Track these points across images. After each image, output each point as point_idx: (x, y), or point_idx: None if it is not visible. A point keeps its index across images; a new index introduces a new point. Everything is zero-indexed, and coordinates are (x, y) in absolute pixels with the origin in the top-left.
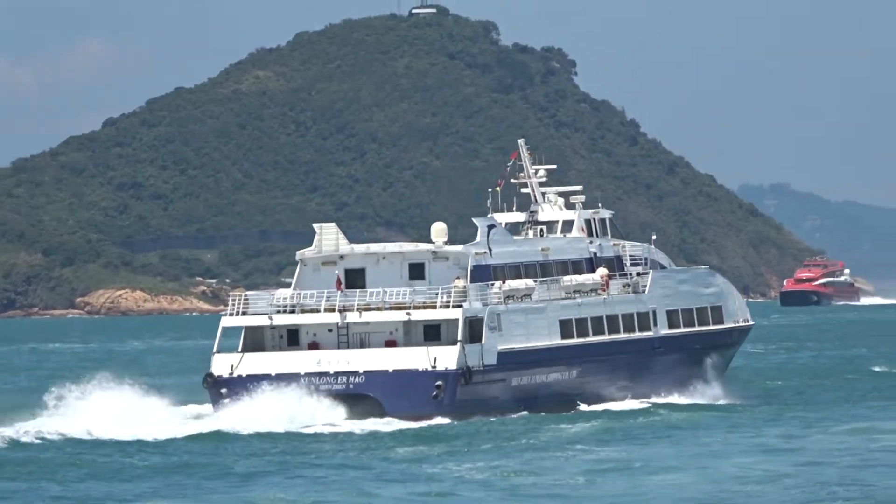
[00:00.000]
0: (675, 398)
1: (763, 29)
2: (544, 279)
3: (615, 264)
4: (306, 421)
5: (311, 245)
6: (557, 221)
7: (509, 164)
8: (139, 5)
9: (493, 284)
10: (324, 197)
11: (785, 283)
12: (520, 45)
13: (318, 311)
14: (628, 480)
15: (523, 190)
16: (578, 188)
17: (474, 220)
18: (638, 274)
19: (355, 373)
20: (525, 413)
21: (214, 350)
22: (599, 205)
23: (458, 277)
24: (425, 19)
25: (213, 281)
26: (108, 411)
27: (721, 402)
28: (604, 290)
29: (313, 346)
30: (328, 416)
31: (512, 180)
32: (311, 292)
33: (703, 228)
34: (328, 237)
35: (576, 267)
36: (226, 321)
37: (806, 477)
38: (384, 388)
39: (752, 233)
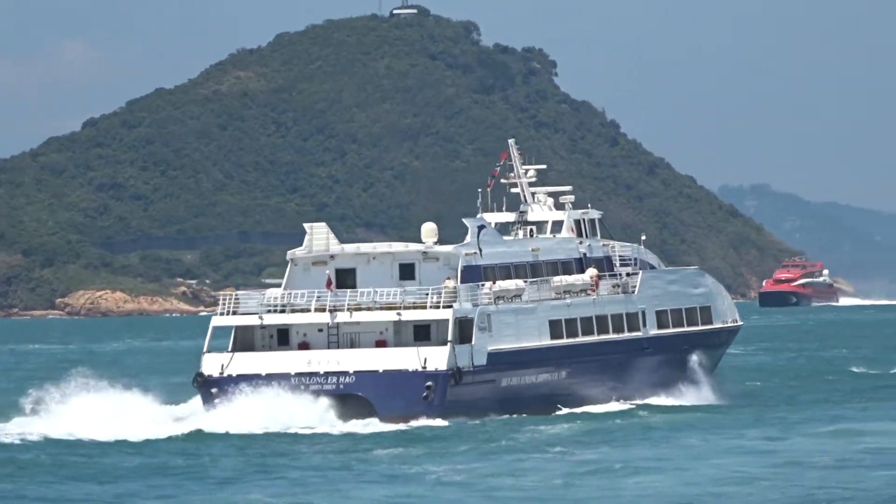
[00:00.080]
0: (664, 399)
1: (752, 29)
2: (534, 280)
3: (605, 265)
4: (292, 422)
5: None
6: (547, 222)
7: (499, 164)
8: (119, 6)
9: (483, 285)
10: (304, 198)
11: (764, 283)
12: (501, 46)
13: (308, 310)
14: (607, 482)
15: (513, 190)
16: (568, 188)
17: (464, 220)
18: (627, 274)
19: (345, 373)
20: (511, 414)
21: (205, 349)
22: (589, 205)
23: (448, 278)
24: (406, 20)
25: (194, 282)
26: (88, 412)
27: (710, 402)
28: (593, 291)
29: (303, 346)
30: (316, 417)
31: (502, 180)
32: (302, 292)
33: (683, 229)
34: (318, 237)
35: (565, 267)
36: (216, 321)
37: (785, 478)
38: (374, 388)
39: (733, 234)
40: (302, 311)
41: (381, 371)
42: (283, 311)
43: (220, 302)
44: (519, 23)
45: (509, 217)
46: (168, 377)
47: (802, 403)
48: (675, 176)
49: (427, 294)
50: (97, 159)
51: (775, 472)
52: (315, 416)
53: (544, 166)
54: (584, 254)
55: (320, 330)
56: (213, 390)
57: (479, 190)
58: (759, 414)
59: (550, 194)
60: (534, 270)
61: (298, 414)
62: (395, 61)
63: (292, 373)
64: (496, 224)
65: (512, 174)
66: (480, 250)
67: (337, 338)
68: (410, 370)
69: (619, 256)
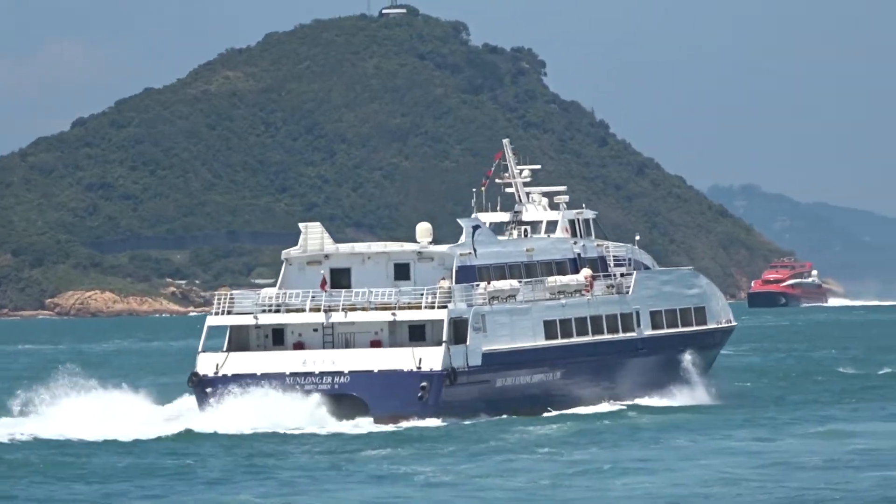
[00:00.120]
0: (659, 399)
1: (741, 29)
2: (529, 280)
3: (599, 265)
4: (283, 422)
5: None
6: (541, 222)
7: (494, 163)
8: (108, 6)
9: (478, 285)
10: (293, 198)
11: (753, 284)
12: (490, 46)
13: (303, 310)
14: (596, 483)
15: (507, 190)
16: (562, 188)
17: (459, 220)
18: (622, 275)
19: (340, 373)
20: (506, 415)
21: (200, 349)
22: (583, 205)
23: (443, 278)
24: (395, 20)
25: (183, 282)
26: (77, 412)
27: (704, 403)
28: (588, 291)
29: (298, 345)
30: (307, 417)
31: (497, 180)
32: (297, 292)
33: (672, 230)
34: (313, 237)
35: (560, 267)
36: (211, 320)
37: (773, 479)
38: (369, 388)
39: (722, 234)
40: (297, 310)
41: (376, 371)
42: (278, 311)
43: (215, 301)
44: (508, 23)
45: (504, 217)
46: (158, 377)
47: (792, 404)
48: (664, 176)
49: (422, 294)
50: (86, 159)
51: (764, 473)
52: (306, 416)
53: (539, 166)
54: (579, 254)
55: (315, 330)
56: (208, 390)
57: (474, 190)
58: (749, 415)
59: (545, 194)
60: (528, 271)
61: (290, 414)
62: (384, 61)
63: (287, 373)
64: (491, 224)
65: (506, 174)
66: (475, 250)
67: (332, 338)
68: (405, 370)
69: (614, 257)
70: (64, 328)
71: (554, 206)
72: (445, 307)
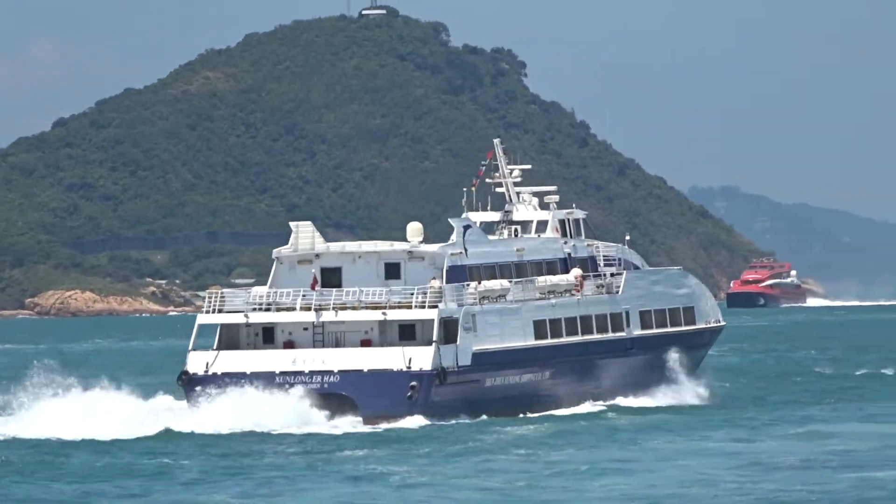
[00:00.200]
0: (647, 399)
1: (732, 29)
2: (519, 280)
3: (589, 265)
4: (266, 422)
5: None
6: (532, 221)
7: (485, 163)
8: (88, 6)
9: (468, 285)
10: (273, 198)
11: (731, 284)
12: (470, 47)
13: (293, 309)
14: (573, 483)
15: (498, 189)
16: (553, 188)
17: (450, 220)
18: (612, 274)
19: (330, 372)
20: (496, 415)
21: (190, 347)
22: (573, 205)
23: (433, 278)
24: (375, 20)
25: (163, 282)
26: (56, 412)
27: (692, 403)
28: (578, 291)
29: (289, 344)
30: (292, 416)
31: (487, 180)
32: (287, 290)
33: (653, 230)
34: (304, 235)
35: (550, 267)
36: (202, 318)
37: (751, 480)
38: (359, 387)
39: (703, 234)
40: (287, 309)
41: (365, 370)
42: (268, 310)
43: (206, 300)
44: (488, 23)
45: (494, 217)
46: (138, 377)
47: (771, 405)
48: (645, 177)
49: (412, 294)
50: (67, 159)
51: (741, 474)
52: (293, 415)
53: (529, 166)
54: (569, 254)
55: (305, 329)
56: (198, 388)
57: (465, 189)
58: (728, 415)
59: (535, 194)
60: (518, 270)
61: (276, 413)
62: (364, 62)
63: (277, 371)
64: (481, 223)
65: (497, 174)
66: (466, 250)
67: (322, 337)
68: (395, 370)
69: (604, 257)
70: (44, 328)
71: (544, 206)
72: (436, 307)
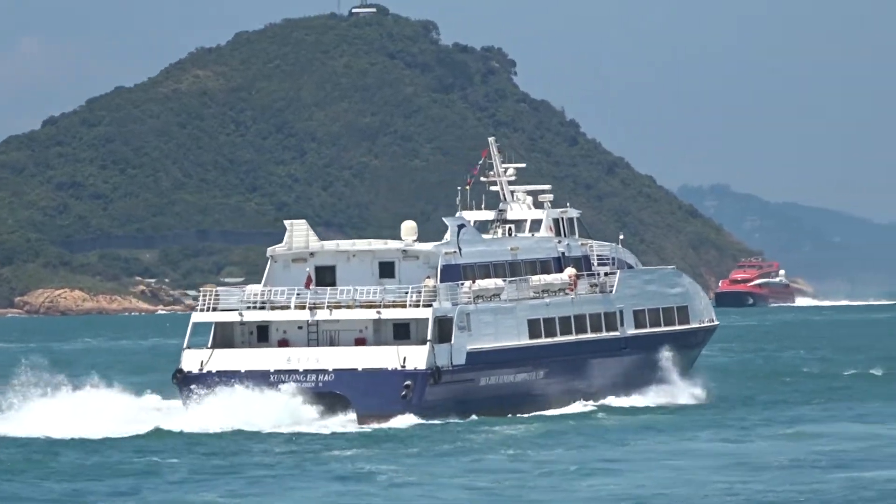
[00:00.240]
0: (640, 398)
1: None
2: (513, 279)
3: (583, 264)
4: (258, 420)
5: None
6: (526, 220)
7: (479, 161)
8: (79, 4)
9: (462, 284)
10: (263, 197)
11: (720, 284)
12: (460, 45)
13: (288, 307)
14: (561, 483)
15: (492, 188)
16: (547, 187)
17: (445, 219)
18: (605, 274)
19: (325, 371)
20: (490, 414)
21: (184, 346)
22: (567, 204)
23: (428, 276)
24: (365, 19)
25: (153, 280)
26: (46, 411)
27: (688, 402)
28: (572, 290)
29: (283, 343)
30: (285, 415)
31: (482, 179)
32: (282, 289)
33: (642, 229)
34: (298, 234)
35: (544, 266)
36: (196, 317)
37: (740, 480)
38: (353, 386)
39: (692, 234)
40: (282, 308)
41: (360, 369)
42: (263, 308)
43: (201, 298)
44: (478, 22)
45: (489, 215)
46: (128, 376)
47: (759, 405)
48: (634, 176)
49: (407, 292)
50: (57, 158)
51: (730, 474)
52: (283, 413)
53: (524, 164)
54: (563, 253)
55: (300, 327)
56: (193, 386)
57: (459, 188)
58: (717, 415)
59: (529, 193)
60: (513, 269)
61: (264, 412)
62: (354, 60)
63: (271, 370)
64: (475, 222)
65: (491, 172)
66: (460, 249)
67: (316, 335)
68: (389, 369)
69: (598, 256)
70: (33, 326)
71: (538, 205)
72: (430, 306)
